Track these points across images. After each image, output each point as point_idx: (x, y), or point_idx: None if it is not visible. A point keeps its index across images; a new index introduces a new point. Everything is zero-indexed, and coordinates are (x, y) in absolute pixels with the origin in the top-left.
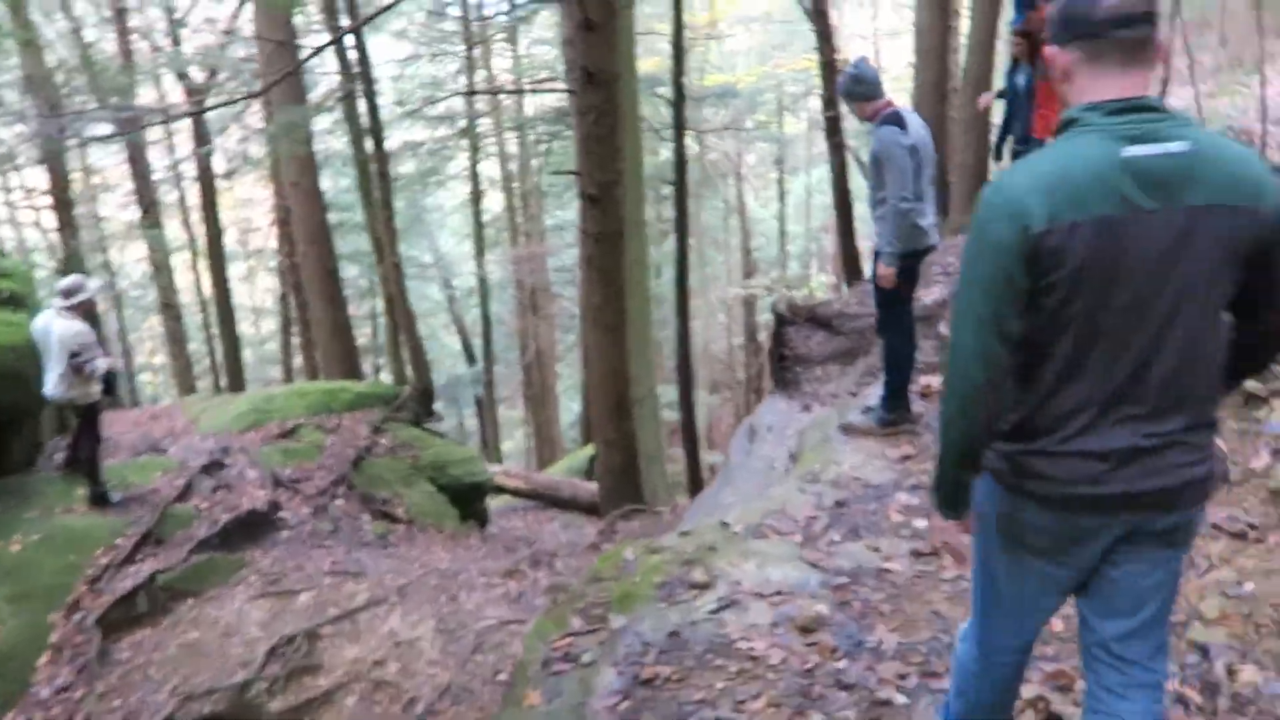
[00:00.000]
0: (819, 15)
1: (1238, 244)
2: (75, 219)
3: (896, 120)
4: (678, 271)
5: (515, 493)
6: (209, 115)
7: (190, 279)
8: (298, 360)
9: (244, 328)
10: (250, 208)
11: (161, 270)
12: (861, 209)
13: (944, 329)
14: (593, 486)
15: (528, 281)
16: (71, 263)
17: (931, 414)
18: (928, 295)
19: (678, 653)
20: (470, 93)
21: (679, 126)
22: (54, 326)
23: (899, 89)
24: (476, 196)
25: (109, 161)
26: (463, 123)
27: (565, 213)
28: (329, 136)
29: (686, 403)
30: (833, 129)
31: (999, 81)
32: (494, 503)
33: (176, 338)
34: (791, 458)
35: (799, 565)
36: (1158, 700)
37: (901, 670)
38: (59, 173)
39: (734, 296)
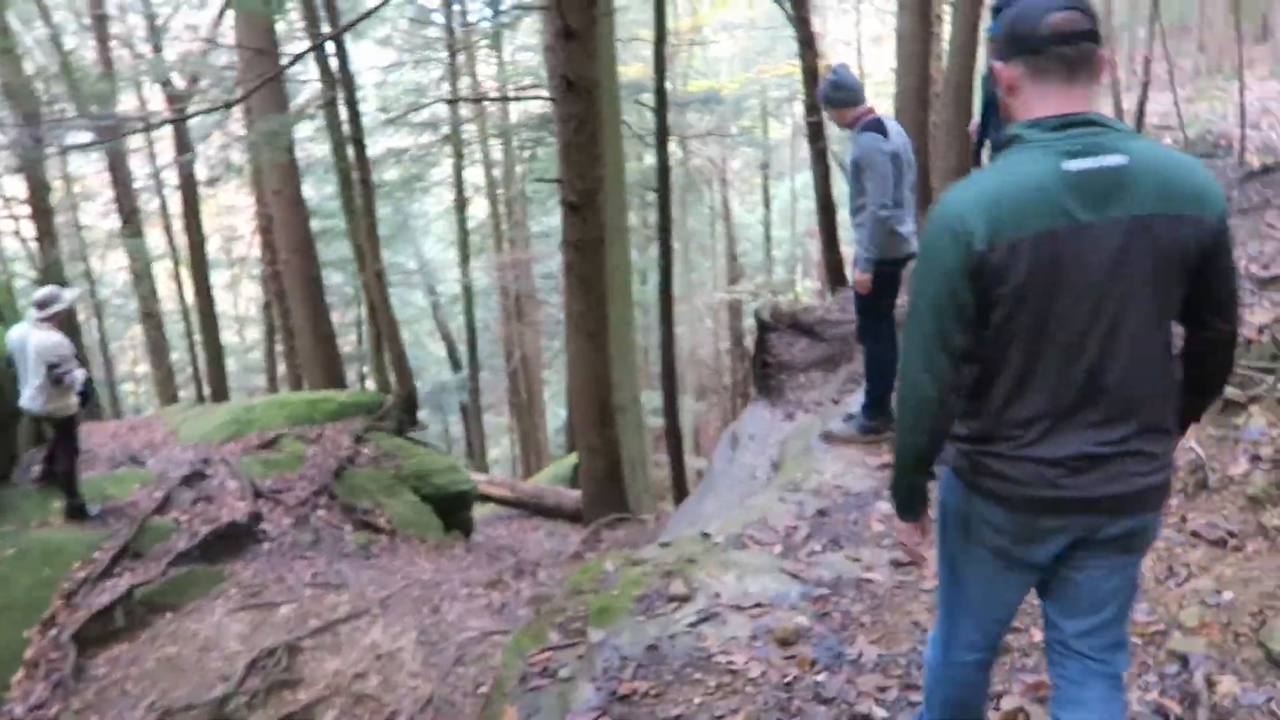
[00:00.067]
0: (801, 21)
1: (1181, 252)
2: (55, 228)
3: (877, 127)
4: (661, 278)
5: (500, 501)
6: (191, 123)
7: (173, 287)
8: (282, 369)
9: (228, 336)
10: (233, 215)
11: (143, 279)
12: (845, 215)
13: None
14: (577, 494)
15: (513, 288)
16: (51, 272)
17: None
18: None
19: (656, 667)
20: (452, 100)
21: (662, 133)
22: (30, 338)
23: (882, 94)
24: (461, 203)
25: (90, 169)
26: (446, 129)
27: (551, 219)
28: (312, 144)
29: (671, 409)
30: (815, 135)
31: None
32: (479, 511)
33: (158, 347)
34: (774, 466)
35: (779, 576)
36: (1115, 688)
37: (881, 683)
38: (38, 181)
39: (720, 302)
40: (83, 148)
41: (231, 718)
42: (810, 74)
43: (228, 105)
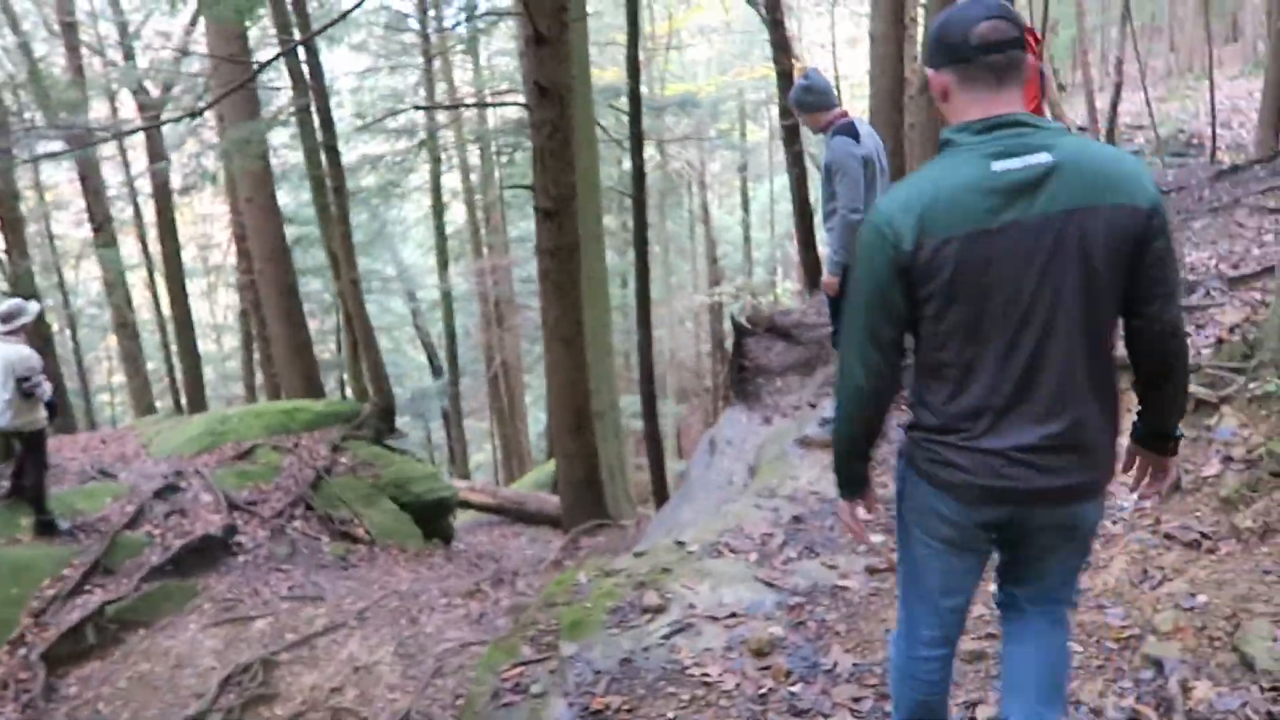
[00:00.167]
0: (774, 24)
1: (1112, 243)
2: (26, 238)
3: (849, 131)
4: (638, 282)
5: (481, 508)
6: (165, 130)
7: (148, 296)
8: (260, 378)
9: (205, 345)
10: (209, 223)
11: (116, 289)
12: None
13: None
14: (559, 500)
15: (492, 293)
16: (22, 283)
17: (889, 425)
18: None
19: (629, 681)
20: (423, 107)
21: (636, 137)
22: None
23: (858, 97)
24: (439, 209)
25: (61, 178)
26: (423, 135)
27: (529, 224)
28: (287, 151)
29: (651, 413)
30: (791, 138)
31: None
32: (461, 518)
33: (133, 357)
34: (751, 471)
35: (754, 585)
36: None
37: (856, 693)
38: (8, 190)
39: (700, 304)
40: (52, 156)
41: None
42: (785, 77)
43: (194, 113)
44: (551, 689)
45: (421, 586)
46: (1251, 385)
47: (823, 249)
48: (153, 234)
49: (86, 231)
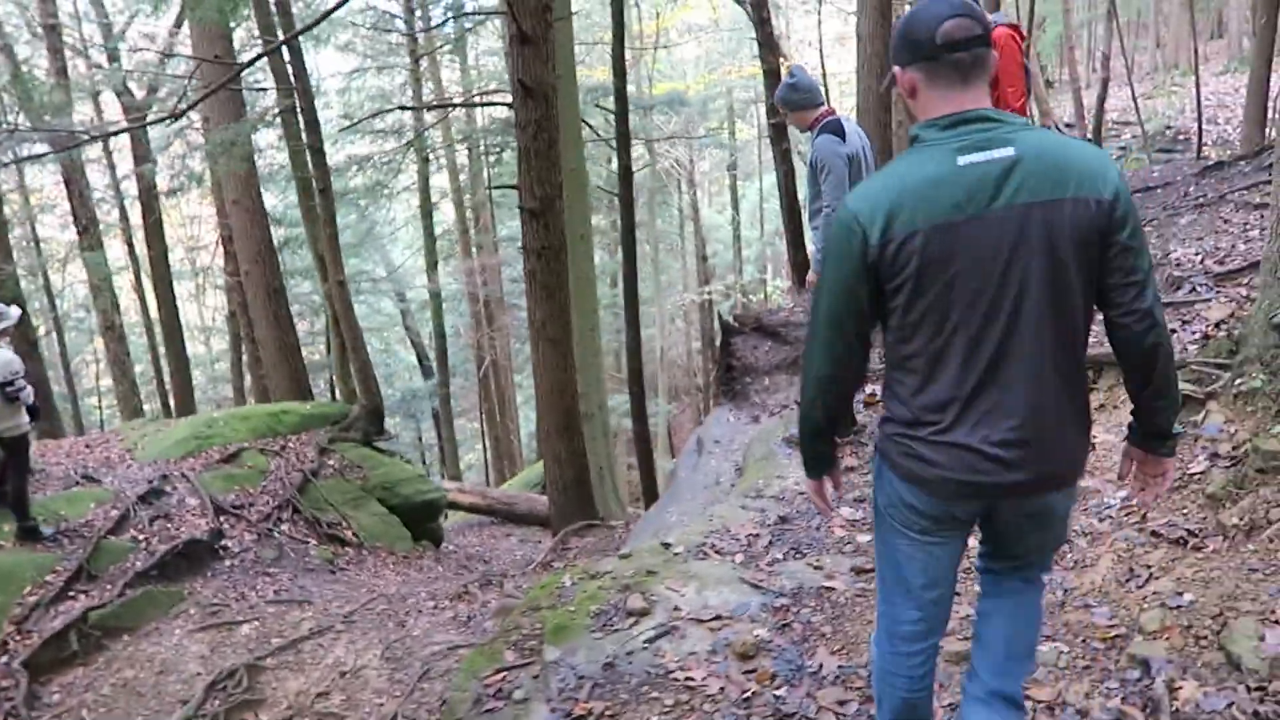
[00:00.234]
0: (761, 22)
1: (1076, 234)
2: (10, 242)
3: (835, 129)
4: (626, 282)
5: (471, 509)
6: (151, 132)
7: (135, 299)
8: (249, 380)
9: (194, 347)
10: (197, 225)
11: (102, 292)
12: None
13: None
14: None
15: (481, 293)
16: (6, 287)
17: (874, 423)
18: None
19: (612, 686)
20: (407, 107)
21: (623, 136)
22: None
23: (847, 95)
24: (427, 209)
25: (47, 181)
26: (410, 135)
27: (518, 223)
28: (275, 152)
29: (640, 413)
30: (779, 136)
31: None
32: (451, 519)
33: (120, 360)
34: (738, 471)
35: (739, 587)
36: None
37: (842, 696)
38: None
39: (691, 303)
40: (35, 159)
41: None
42: (772, 75)
43: (174, 116)
44: (534, 694)
45: (409, 589)
46: (1237, 381)
47: (811, 247)
48: (139, 236)
49: (73, 234)
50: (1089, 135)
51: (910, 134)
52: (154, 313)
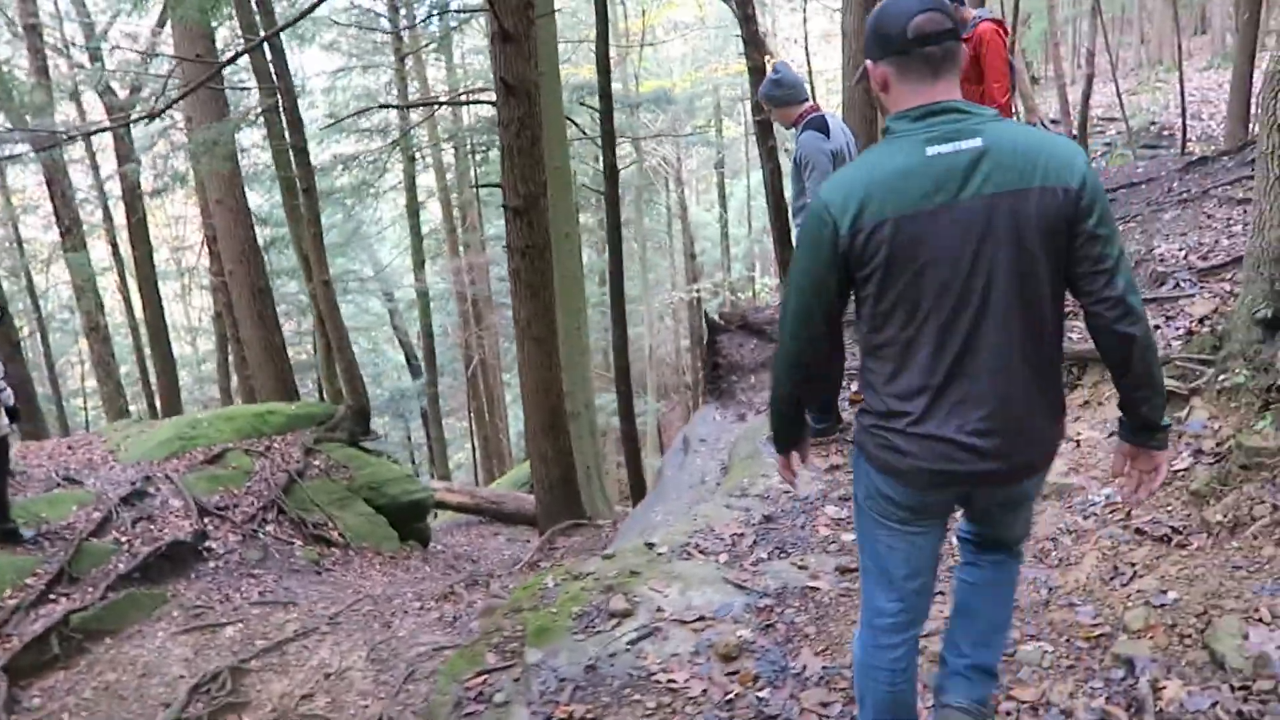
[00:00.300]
0: (746, 19)
1: (1045, 225)
2: None
3: (819, 125)
4: (612, 280)
5: (459, 508)
6: (135, 133)
7: (120, 300)
8: (235, 380)
9: (180, 348)
10: (182, 225)
11: (85, 293)
12: None
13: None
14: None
15: (469, 292)
16: None
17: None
18: None
19: (594, 689)
20: (389, 106)
21: (608, 134)
22: None
23: (833, 91)
24: (414, 208)
25: (30, 181)
26: (396, 134)
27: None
28: (260, 152)
29: (627, 412)
30: (765, 133)
31: None
32: (440, 518)
33: (104, 361)
34: (723, 470)
35: (723, 587)
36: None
37: (825, 698)
38: None
39: (679, 301)
40: (13, 159)
41: None
42: (757, 73)
43: (153, 115)
44: (515, 698)
45: (395, 590)
46: (1220, 377)
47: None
48: (124, 237)
49: (56, 235)
50: (1074, 132)
51: (884, 126)
52: (139, 313)
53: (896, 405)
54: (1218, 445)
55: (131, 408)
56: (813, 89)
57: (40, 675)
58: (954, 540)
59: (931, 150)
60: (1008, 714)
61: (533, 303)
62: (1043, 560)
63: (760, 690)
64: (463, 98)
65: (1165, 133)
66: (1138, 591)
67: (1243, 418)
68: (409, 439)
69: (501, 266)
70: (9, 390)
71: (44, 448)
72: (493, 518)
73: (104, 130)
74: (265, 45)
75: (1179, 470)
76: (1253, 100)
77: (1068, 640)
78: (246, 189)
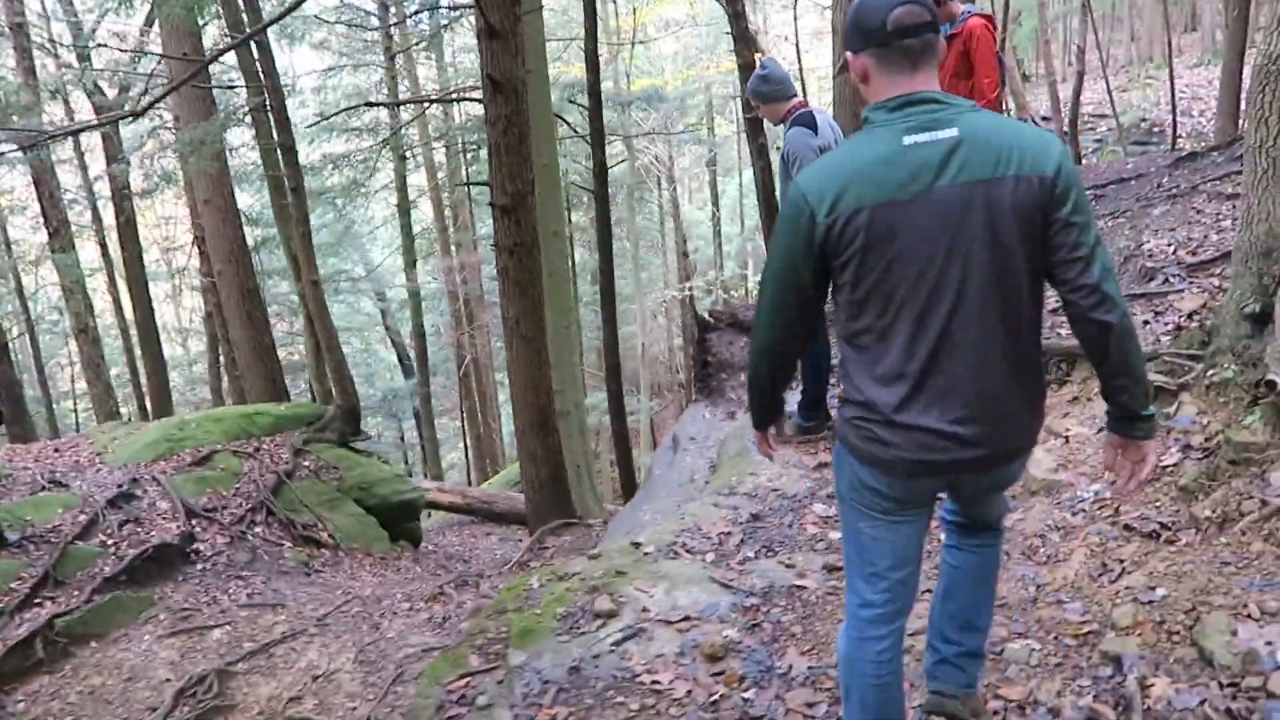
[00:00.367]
0: (736, 16)
1: (1019, 213)
2: None
3: (807, 121)
4: (602, 279)
5: (450, 508)
6: (124, 132)
7: (110, 301)
8: (227, 381)
9: (171, 349)
10: (173, 225)
11: (74, 294)
12: None
13: None
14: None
15: (461, 292)
16: None
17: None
18: None
19: (577, 691)
20: (376, 104)
21: (597, 132)
22: None
23: (825, 89)
24: (405, 208)
25: (18, 181)
26: (386, 134)
27: None
28: (250, 152)
29: (618, 410)
30: (755, 130)
31: None
32: (433, 519)
33: (93, 363)
34: (712, 468)
35: (709, 587)
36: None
37: (811, 698)
38: None
39: (672, 299)
40: None
41: None
42: (747, 70)
43: (137, 114)
44: (498, 701)
45: (385, 591)
46: (1209, 372)
47: None
48: (113, 237)
49: (44, 236)
50: (1065, 129)
51: (862, 117)
52: (129, 314)
53: (875, 393)
54: (1206, 440)
55: (122, 409)
56: (804, 86)
57: (24, 680)
58: (942, 518)
59: (908, 140)
60: (995, 713)
61: (521, 301)
62: (1031, 557)
63: (745, 691)
64: (451, 96)
65: (1156, 129)
66: (1126, 588)
67: (1231, 413)
68: (402, 439)
69: (493, 266)
70: None
71: (30, 450)
72: (485, 517)
73: (86, 129)
74: (253, 44)
75: (1168, 466)
76: (1242, 96)
77: (1056, 638)
78: (236, 189)
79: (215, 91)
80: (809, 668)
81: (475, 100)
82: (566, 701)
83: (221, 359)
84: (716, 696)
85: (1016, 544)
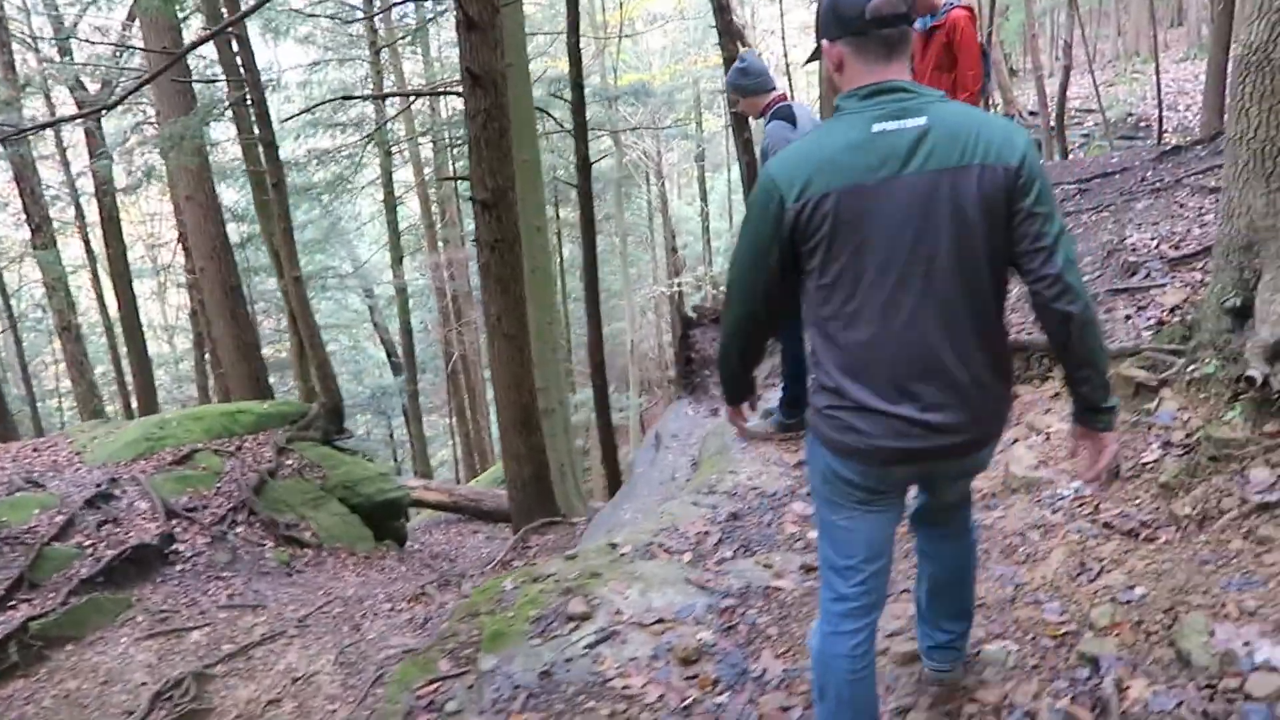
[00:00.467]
0: (721, 10)
1: (984, 202)
2: None
3: (786, 115)
4: (586, 275)
5: (437, 506)
6: (107, 129)
7: (94, 298)
8: (213, 379)
9: (157, 346)
10: (157, 222)
11: (57, 291)
12: None
13: None
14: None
15: (449, 288)
16: None
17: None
18: None
19: (548, 696)
20: (355, 97)
21: (580, 128)
22: None
23: (812, 84)
24: (391, 204)
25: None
26: (371, 129)
27: None
28: (232, 146)
29: (603, 407)
30: (740, 125)
31: None
32: (420, 517)
33: (77, 361)
34: (694, 466)
35: (685, 588)
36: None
37: (785, 702)
38: None
39: (661, 295)
40: None
41: None
42: (732, 63)
43: (108, 107)
44: (467, 706)
45: (367, 591)
46: (1190, 367)
47: None
48: (97, 234)
49: (26, 233)
50: (1052, 123)
51: (835, 104)
52: (114, 311)
53: (846, 382)
54: (1187, 437)
55: (108, 408)
56: (791, 83)
57: None
58: (909, 520)
59: (877, 127)
60: (970, 717)
61: (503, 298)
62: (1009, 556)
63: (719, 695)
64: (434, 90)
65: (1142, 124)
66: (1105, 587)
67: (1212, 408)
68: (391, 436)
69: None
70: None
71: (8, 450)
72: (471, 515)
73: (62, 122)
74: (232, 38)
75: (1148, 462)
76: (1227, 90)
77: (1033, 639)
78: (219, 184)
79: (196, 86)
80: (784, 670)
81: (458, 94)
82: (536, 707)
83: (207, 356)
84: (689, 701)
85: (995, 543)
